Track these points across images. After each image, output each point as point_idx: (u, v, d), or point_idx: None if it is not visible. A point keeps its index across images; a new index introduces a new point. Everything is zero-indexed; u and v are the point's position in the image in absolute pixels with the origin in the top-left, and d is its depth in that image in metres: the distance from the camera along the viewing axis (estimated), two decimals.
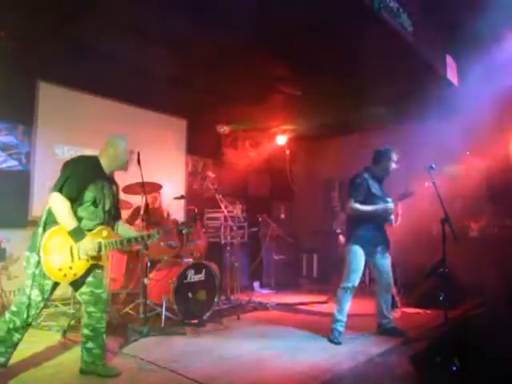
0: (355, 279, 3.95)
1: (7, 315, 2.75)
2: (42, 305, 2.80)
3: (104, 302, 3.04)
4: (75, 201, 2.80)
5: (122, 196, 4.77)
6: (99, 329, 3.00)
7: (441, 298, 3.97)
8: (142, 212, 4.32)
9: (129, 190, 4.65)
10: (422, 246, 6.12)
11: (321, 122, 7.58)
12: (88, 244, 2.79)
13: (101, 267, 3.02)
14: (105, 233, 2.94)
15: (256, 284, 7.20)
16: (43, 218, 2.76)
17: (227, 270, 5.83)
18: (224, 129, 7.65)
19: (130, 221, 5.04)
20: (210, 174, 6.25)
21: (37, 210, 5.08)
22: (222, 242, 6.10)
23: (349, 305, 4.00)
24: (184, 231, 4.89)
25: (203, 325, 4.41)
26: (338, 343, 3.82)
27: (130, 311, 4.47)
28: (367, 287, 6.08)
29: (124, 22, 4.44)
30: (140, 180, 4.19)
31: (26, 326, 2.77)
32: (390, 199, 4.01)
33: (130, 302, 4.52)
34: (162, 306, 4.27)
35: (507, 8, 4.50)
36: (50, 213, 2.75)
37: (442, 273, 4.00)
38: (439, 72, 5.54)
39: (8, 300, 4.54)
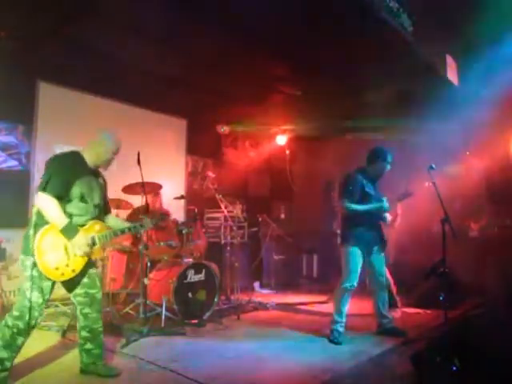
0: (354, 279, 3.94)
1: (9, 320, 2.71)
2: (43, 306, 2.79)
3: (99, 303, 3.02)
4: (63, 198, 2.77)
5: (122, 196, 4.81)
6: (96, 329, 2.99)
7: (441, 298, 3.97)
8: (141, 212, 4.31)
9: (129, 189, 4.66)
10: (422, 246, 6.12)
11: (321, 122, 7.58)
12: (81, 239, 2.77)
13: (95, 266, 3.01)
14: (97, 227, 2.93)
15: (256, 284, 7.19)
16: (33, 220, 2.72)
17: (227, 270, 5.83)
18: (224, 129, 7.65)
19: (130, 221, 5.04)
20: (210, 173, 6.24)
21: None
22: (222, 241, 6.09)
23: (348, 305, 4.00)
24: (184, 231, 4.90)
25: (203, 325, 4.41)
26: (338, 343, 3.81)
27: (130, 311, 4.47)
28: (367, 287, 6.07)
29: (124, 22, 4.44)
30: (140, 180, 4.20)
31: (30, 328, 2.75)
32: (384, 198, 4.00)
33: (130, 302, 4.52)
34: (162, 306, 4.27)
35: (507, 8, 4.51)
36: (38, 214, 2.72)
37: (441, 273, 4.01)
38: (439, 72, 5.54)
39: (8, 300, 4.54)
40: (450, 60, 5.71)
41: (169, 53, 5.08)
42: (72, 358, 3.30)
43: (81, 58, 5.01)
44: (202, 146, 7.44)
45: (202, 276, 4.67)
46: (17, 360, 2.96)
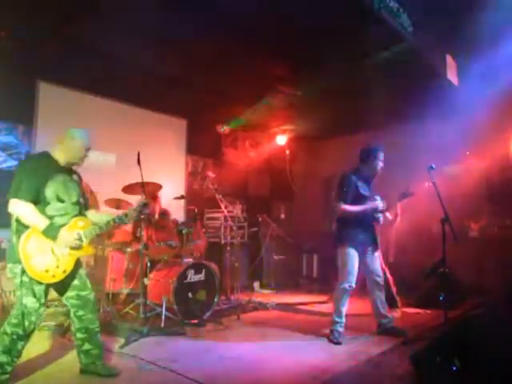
0: (352, 280, 3.95)
1: (8, 328, 2.69)
2: (41, 310, 2.77)
3: (92, 303, 3.00)
4: (39, 202, 2.72)
5: (122, 196, 4.81)
6: (93, 329, 2.98)
7: (441, 298, 3.98)
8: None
9: (129, 189, 4.65)
10: (422, 246, 6.12)
11: (321, 122, 7.59)
12: (66, 237, 2.74)
13: (83, 267, 3.00)
14: (81, 223, 2.88)
15: (256, 284, 7.19)
16: (13, 228, 2.68)
17: (227, 270, 5.83)
18: (224, 129, 7.65)
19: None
20: (210, 173, 6.24)
21: None
22: (222, 241, 6.10)
23: (347, 305, 4.00)
24: (184, 231, 4.90)
25: (203, 325, 4.41)
26: (338, 343, 3.81)
27: (130, 311, 4.47)
28: (367, 287, 6.07)
29: (124, 22, 4.43)
30: (140, 180, 4.19)
31: (30, 333, 2.74)
32: (378, 197, 4.00)
33: (130, 302, 4.52)
34: (162, 306, 4.27)
35: (507, 8, 4.50)
36: (18, 220, 2.67)
37: (442, 273, 4.01)
38: (439, 72, 5.54)
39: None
40: (449, 60, 5.71)
41: (169, 53, 5.08)
42: (72, 359, 3.30)
43: (81, 58, 5.01)
44: (202, 146, 7.44)
45: (201, 276, 4.67)
46: (22, 362, 2.96)
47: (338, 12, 4.24)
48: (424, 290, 5.44)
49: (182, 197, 5.56)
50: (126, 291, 4.61)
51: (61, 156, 2.93)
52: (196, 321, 4.43)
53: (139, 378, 2.98)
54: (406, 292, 5.45)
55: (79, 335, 2.95)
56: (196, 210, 5.74)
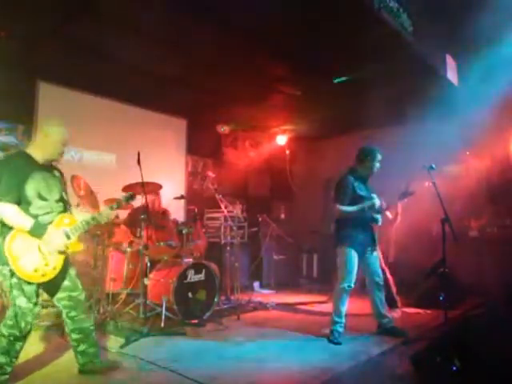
0: (351, 280, 3.95)
1: (4, 330, 2.68)
2: (36, 310, 2.75)
3: (83, 304, 2.99)
4: (21, 202, 2.68)
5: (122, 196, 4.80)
6: (87, 328, 2.97)
7: (441, 298, 3.98)
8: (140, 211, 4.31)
9: (129, 190, 4.64)
10: (422, 246, 6.12)
11: (321, 122, 7.59)
12: (53, 236, 2.71)
13: (72, 267, 2.98)
14: (66, 220, 2.85)
15: (256, 284, 7.19)
16: None
17: (227, 270, 5.83)
18: (224, 129, 7.65)
19: (129, 221, 5.03)
20: (210, 173, 6.25)
21: None
22: (222, 241, 6.10)
23: (346, 305, 4.00)
24: (184, 231, 4.90)
25: (203, 325, 4.41)
26: (338, 343, 3.81)
27: (130, 311, 4.47)
28: (366, 287, 6.08)
29: (124, 22, 4.43)
30: (140, 180, 4.20)
31: (27, 333, 2.73)
32: (374, 195, 3.98)
33: (130, 302, 4.52)
34: (162, 306, 4.27)
35: (507, 8, 4.51)
36: (1, 222, 2.63)
37: (442, 273, 4.01)
38: (439, 72, 5.54)
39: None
40: (449, 60, 5.71)
41: (169, 53, 5.07)
42: (69, 359, 3.29)
43: (81, 58, 5.00)
44: (202, 146, 7.44)
45: (202, 276, 4.67)
46: (21, 362, 2.96)
47: (338, 12, 4.24)
48: (424, 290, 5.44)
49: (181, 197, 5.56)
50: (125, 291, 4.61)
51: (38, 153, 2.86)
52: (196, 321, 4.42)
53: (139, 378, 2.98)
54: (405, 292, 5.45)
55: (74, 336, 2.94)
56: (196, 210, 5.74)
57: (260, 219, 7.36)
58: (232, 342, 3.89)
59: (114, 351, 3.51)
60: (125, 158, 5.88)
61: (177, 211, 6.38)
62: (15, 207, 2.64)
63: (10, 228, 2.64)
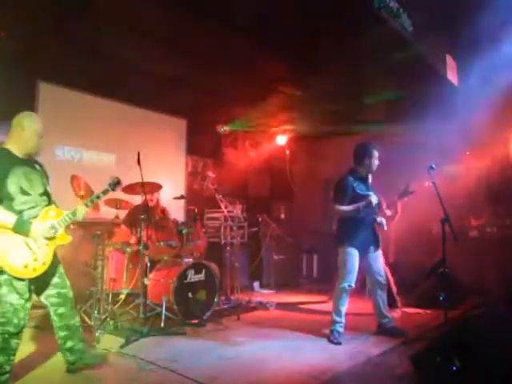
0: (351, 279, 3.95)
1: None
2: (28, 305, 2.73)
3: (71, 301, 2.98)
4: (3, 199, 2.65)
5: (122, 196, 4.80)
6: (74, 325, 2.96)
7: (441, 298, 3.97)
8: (142, 211, 4.31)
9: (129, 189, 4.65)
10: (422, 246, 6.12)
11: (321, 122, 7.58)
12: (40, 229, 2.69)
13: (61, 264, 2.96)
14: (52, 213, 2.82)
15: (256, 284, 7.19)
16: None
17: (227, 270, 5.83)
18: (224, 129, 7.66)
19: (129, 221, 5.03)
20: (210, 173, 6.24)
21: None
22: (222, 241, 6.10)
23: (346, 305, 4.00)
24: (184, 231, 4.89)
25: (203, 325, 4.41)
26: (338, 343, 3.81)
27: (130, 311, 4.47)
28: (366, 287, 6.08)
29: (124, 22, 4.44)
30: (140, 180, 4.20)
31: (21, 329, 2.71)
32: (371, 192, 3.95)
33: (130, 301, 4.52)
34: (162, 306, 4.27)
35: (507, 8, 4.51)
36: None
37: (442, 273, 4.01)
38: (439, 72, 5.54)
39: None
40: (449, 60, 5.71)
41: (169, 53, 5.08)
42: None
43: (81, 58, 5.01)
44: (202, 146, 7.44)
45: (202, 276, 4.67)
46: (16, 360, 2.95)
47: (338, 12, 4.24)
48: (424, 290, 5.44)
49: (181, 197, 5.56)
50: (125, 291, 4.61)
51: (16, 148, 2.82)
52: (196, 321, 4.42)
53: (139, 378, 2.98)
54: (405, 292, 5.45)
55: (61, 333, 2.93)
56: (196, 210, 5.74)
57: (260, 219, 7.36)
58: (232, 342, 3.89)
59: (113, 351, 3.50)
60: (125, 158, 5.88)
61: (177, 211, 6.38)
62: None
63: None
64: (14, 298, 2.65)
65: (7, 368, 2.69)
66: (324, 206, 8.75)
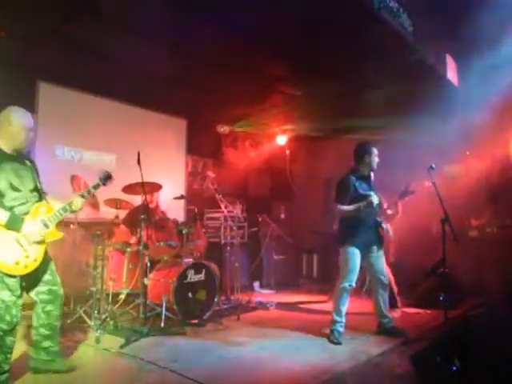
0: (352, 279, 3.95)
1: None
2: (20, 302, 2.71)
3: (61, 299, 2.97)
4: None
5: (122, 196, 4.81)
6: (56, 327, 2.95)
7: (441, 298, 3.98)
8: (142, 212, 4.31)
9: (129, 189, 4.66)
10: (421, 246, 6.12)
11: (321, 122, 7.58)
12: (31, 226, 2.68)
13: (52, 261, 2.94)
14: (43, 209, 2.80)
15: (256, 284, 7.20)
16: None
17: (227, 270, 5.83)
18: (224, 129, 7.66)
19: (129, 221, 5.03)
20: (210, 173, 6.25)
21: None
22: (222, 241, 6.10)
23: (347, 305, 4.00)
24: (184, 231, 4.89)
25: (203, 325, 4.41)
26: (338, 343, 3.81)
27: (130, 311, 4.47)
28: (366, 286, 6.08)
29: (124, 22, 4.44)
30: (140, 180, 4.20)
31: (14, 327, 2.69)
32: (372, 192, 3.94)
33: (130, 301, 4.52)
34: (162, 306, 4.27)
35: (507, 8, 4.51)
36: None
37: (442, 273, 4.01)
38: (439, 72, 5.54)
39: None
40: (449, 60, 5.71)
41: (169, 53, 5.08)
42: (70, 358, 3.30)
43: (81, 58, 5.01)
44: (202, 146, 7.44)
45: (202, 276, 4.67)
46: (15, 359, 2.96)
47: (337, 12, 4.23)
48: (424, 290, 5.44)
49: (181, 197, 5.56)
50: (125, 291, 4.61)
51: (3, 144, 2.79)
52: (196, 321, 4.42)
53: (139, 378, 2.98)
54: (406, 292, 5.46)
55: (42, 331, 2.90)
56: (196, 210, 5.74)
57: (260, 219, 7.36)
58: (232, 342, 3.89)
59: (113, 351, 3.50)
60: (125, 158, 5.88)
61: (177, 211, 6.38)
62: None
63: None
64: (5, 295, 2.64)
65: (6, 367, 2.68)
66: (324, 206, 8.75)
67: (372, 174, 4.20)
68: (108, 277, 4.48)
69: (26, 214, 2.74)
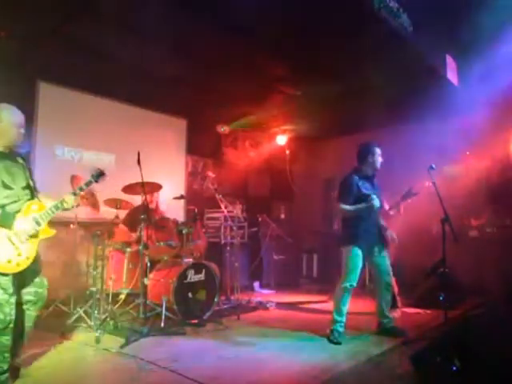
0: (353, 279, 3.95)
1: None
2: (13, 300, 2.69)
3: (43, 301, 2.94)
4: None
5: (122, 196, 4.81)
6: (29, 327, 2.90)
7: (441, 298, 3.97)
8: (142, 212, 4.31)
9: (129, 189, 4.66)
10: (421, 246, 6.12)
11: (321, 122, 7.59)
12: (23, 224, 2.67)
13: (40, 259, 2.91)
14: (34, 207, 2.79)
15: (256, 284, 7.20)
16: None
17: (227, 270, 5.83)
18: (224, 129, 7.66)
19: (129, 221, 5.03)
20: (210, 173, 6.25)
21: None
22: (222, 241, 6.10)
23: (348, 305, 4.00)
24: (184, 231, 4.90)
25: (203, 325, 4.41)
26: (338, 343, 3.81)
27: (130, 311, 4.47)
28: (366, 286, 6.08)
29: (124, 22, 4.44)
30: (140, 180, 4.20)
31: (9, 325, 2.67)
32: (374, 195, 3.92)
33: (130, 301, 4.52)
34: (162, 306, 4.27)
35: (507, 8, 4.51)
36: None
37: (442, 273, 4.01)
38: (439, 72, 5.54)
39: None
40: (449, 60, 5.71)
41: (169, 53, 5.08)
42: (71, 358, 3.31)
43: (81, 58, 5.01)
44: (202, 146, 7.44)
45: (201, 276, 4.68)
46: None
47: (337, 12, 4.24)
48: (424, 290, 5.44)
49: (181, 197, 5.56)
50: (125, 291, 4.61)
51: None
52: (196, 321, 4.42)
53: (139, 378, 2.98)
54: (406, 292, 5.46)
55: (15, 336, 2.80)
56: (196, 210, 5.74)
57: (260, 219, 7.36)
58: (232, 342, 3.89)
59: (113, 351, 3.51)
60: (124, 158, 5.88)
61: (177, 211, 6.38)
62: None
63: None
64: None
65: (4, 366, 2.67)
66: (324, 205, 8.75)
67: (375, 175, 4.20)
68: (108, 277, 4.48)
69: (18, 212, 2.72)
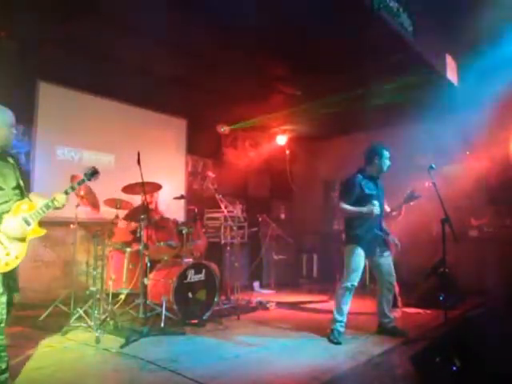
0: (355, 279, 3.94)
1: None
2: (3, 299, 2.65)
3: (11, 306, 2.82)
4: None
5: (122, 196, 4.80)
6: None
7: (441, 298, 3.98)
8: (141, 212, 4.32)
9: (129, 190, 4.65)
10: (422, 246, 6.12)
11: (321, 122, 7.59)
12: (11, 224, 2.64)
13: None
14: (24, 206, 2.76)
15: (256, 284, 7.20)
16: None
17: (227, 270, 5.83)
18: (224, 129, 7.66)
19: (128, 217, 5.03)
20: (210, 173, 6.24)
21: None
22: (222, 241, 6.10)
23: (349, 305, 4.00)
24: (184, 231, 4.89)
25: (203, 325, 4.41)
26: (338, 343, 3.81)
27: (130, 311, 4.47)
28: (367, 286, 6.09)
29: (124, 22, 4.44)
30: (140, 180, 4.19)
31: (0, 324, 2.63)
32: (376, 202, 3.89)
33: (130, 301, 4.52)
34: (162, 306, 4.27)
35: (507, 8, 4.51)
36: None
37: (441, 273, 4.01)
38: (439, 72, 5.54)
39: None
40: (449, 60, 5.71)
41: (169, 53, 5.08)
42: (72, 358, 3.31)
43: (81, 58, 5.01)
44: (202, 146, 7.44)
45: (202, 276, 4.67)
46: (16, 360, 2.96)
47: (337, 12, 4.24)
48: (424, 290, 5.44)
49: (181, 197, 5.56)
50: (125, 291, 4.61)
51: None
52: (196, 321, 4.42)
53: (139, 378, 2.98)
54: (406, 292, 5.46)
55: None
56: (196, 210, 5.74)
57: (260, 219, 7.36)
58: (232, 342, 3.89)
59: (113, 351, 3.50)
60: (124, 158, 5.88)
61: (177, 211, 6.38)
62: None
63: None
64: None
65: (2, 366, 2.65)
66: (324, 206, 8.75)
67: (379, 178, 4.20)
68: (108, 277, 4.48)
69: (8, 212, 2.70)
